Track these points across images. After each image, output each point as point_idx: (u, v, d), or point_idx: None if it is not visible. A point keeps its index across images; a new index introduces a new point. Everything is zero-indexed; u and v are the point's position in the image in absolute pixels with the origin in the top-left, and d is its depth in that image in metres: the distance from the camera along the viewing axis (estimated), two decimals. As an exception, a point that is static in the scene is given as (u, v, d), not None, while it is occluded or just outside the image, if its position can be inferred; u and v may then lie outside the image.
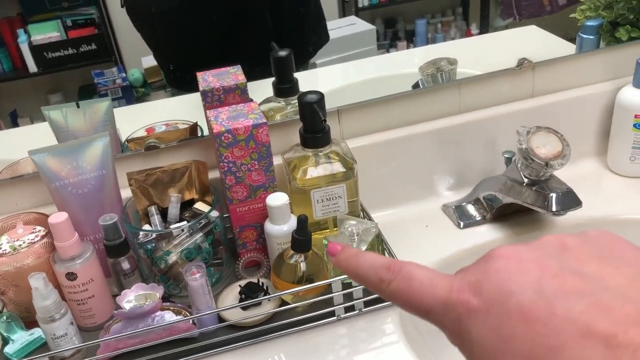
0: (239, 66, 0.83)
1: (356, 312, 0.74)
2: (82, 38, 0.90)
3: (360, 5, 1.06)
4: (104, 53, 0.92)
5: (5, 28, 0.88)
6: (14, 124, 0.95)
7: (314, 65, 1.03)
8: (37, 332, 0.72)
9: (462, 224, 0.88)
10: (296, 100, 0.82)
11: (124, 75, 0.94)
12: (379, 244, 0.76)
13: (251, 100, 0.80)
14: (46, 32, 0.89)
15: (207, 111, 0.77)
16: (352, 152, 0.80)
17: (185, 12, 0.93)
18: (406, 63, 1.10)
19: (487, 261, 0.25)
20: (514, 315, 0.22)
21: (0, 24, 0.88)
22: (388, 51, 1.12)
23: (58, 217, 0.69)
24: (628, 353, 0.19)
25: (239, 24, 0.93)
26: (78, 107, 0.80)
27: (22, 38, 0.89)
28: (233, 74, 0.82)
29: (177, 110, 0.97)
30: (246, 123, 0.73)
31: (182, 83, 0.99)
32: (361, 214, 0.83)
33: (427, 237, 0.87)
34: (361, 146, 0.87)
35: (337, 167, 0.77)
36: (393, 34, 1.10)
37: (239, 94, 0.80)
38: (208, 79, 0.81)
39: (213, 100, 0.79)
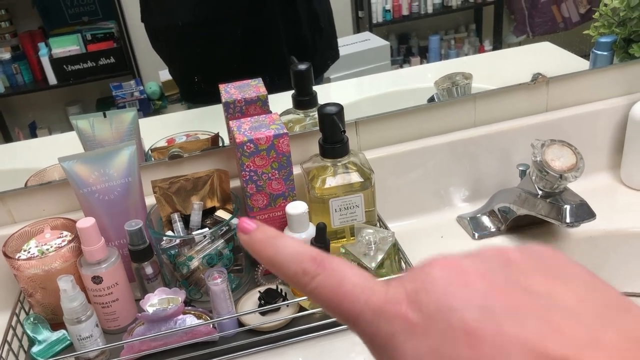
0: (260, 79, 0.86)
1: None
2: (101, 52, 0.93)
3: (374, 21, 1.08)
4: (122, 66, 0.95)
5: (27, 41, 0.91)
6: (33, 135, 0.97)
7: (329, 80, 1.05)
8: (62, 334, 0.74)
9: (476, 235, 0.90)
10: (315, 112, 0.85)
11: (141, 88, 0.97)
12: (395, 253, 0.78)
13: (271, 111, 0.83)
14: (66, 46, 0.92)
15: (230, 122, 0.79)
16: (369, 163, 0.82)
17: (204, 27, 0.95)
18: (419, 78, 1.12)
19: (424, 270, 0.22)
20: (457, 335, 0.20)
21: (22, 38, 0.91)
22: (402, 66, 1.14)
23: (86, 222, 0.71)
24: None
25: (258, 38, 0.96)
26: (105, 116, 0.83)
27: (43, 51, 0.92)
28: (254, 87, 0.84)
29: (194, 122, 0.99)
30: (268, 133, 0.75)
31: (199, 96, 1.01)
32: (378, 223, 0.85)
33: (442, 247, 0.89)
34: (378, 157, 0.89)
35: (355, 177, 0.79)
36: (407, 49, 1.13)
37: (260, 106, 0.82)
38: (230, 90, 0.83)
39: (235, 111, 0.82)
